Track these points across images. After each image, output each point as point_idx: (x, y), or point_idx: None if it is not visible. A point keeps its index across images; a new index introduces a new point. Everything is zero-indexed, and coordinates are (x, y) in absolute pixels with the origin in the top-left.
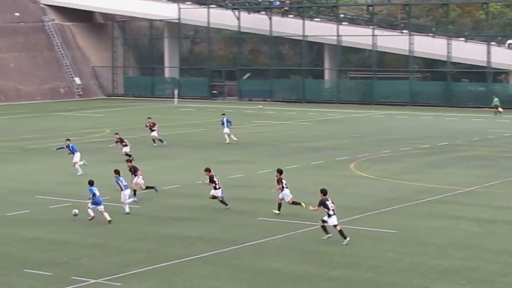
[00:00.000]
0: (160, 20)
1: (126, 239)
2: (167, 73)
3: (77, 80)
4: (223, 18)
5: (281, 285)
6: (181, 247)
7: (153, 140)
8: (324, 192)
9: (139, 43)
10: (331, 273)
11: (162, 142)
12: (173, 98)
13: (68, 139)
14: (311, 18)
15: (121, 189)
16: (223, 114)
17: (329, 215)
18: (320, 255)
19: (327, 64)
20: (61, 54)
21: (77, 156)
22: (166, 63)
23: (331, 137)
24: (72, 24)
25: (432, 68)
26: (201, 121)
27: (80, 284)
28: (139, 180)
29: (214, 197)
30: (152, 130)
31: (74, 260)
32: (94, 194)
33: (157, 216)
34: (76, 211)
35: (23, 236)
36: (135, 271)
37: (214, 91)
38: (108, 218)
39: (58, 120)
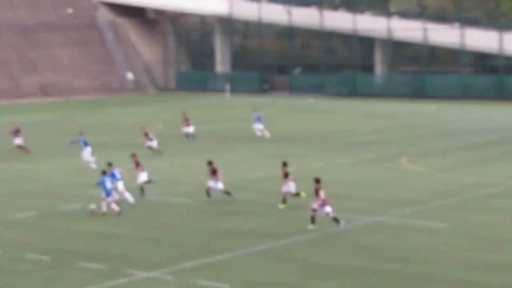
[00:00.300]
0: (212, 16)
1: (179, 233)
2: (218, 68)
3: (130, 75)
4: (274, 13)
5: (333, 279)
6: (234, 240)
7: (187, 136)
8: (317, 180)
9: (190, 38)
10: (383, 267)
11: (193, 137)
12: (225, 92)
13: (80, 133)
14: (361, 12)
15: (116, 179)
16: (255, 110)
17: (318, 204)
18: (372, 249)
19: (378, 58)
20: (114, 49)
21: (88, 150)
22: (218, 58)
23: (383, 131)
24: (124, 20)
25: (484, 61)
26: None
27: (133, 278)
28: (139, 176)
29: (209, 189)
30: (187, 125)
31: (127, 253)
32: (105, 185)
33: (210, 210)
34: (93, 206)
35: (76, 230)
36: (188, 265)
37: (266, 86)
38: (104, 210)
39: (111, 115)
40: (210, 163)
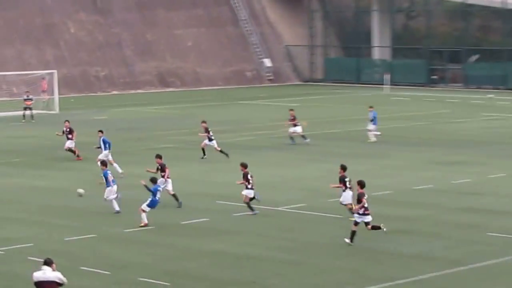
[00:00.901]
0: None
1: (326, 255)
2: (376, 54)
3: (267, 62)
4: None
5: None
6: (393, 267)
7: (291, 137)
8: (361, 184)
9: (342, 17)
10: None
11: (306, 139)
12: (383, 84)
13: (100, 131)
14: None
15: (107, 185)
16: (371, 107)
17: (359, 213)
18: None
19: None
20: (248, 30)
21: (105, 154)
22: (375, 42)
23: None
24: None
25: None
26: (418, 113)
27: None
28: (166, 185)
29: (248, 198)
30: (295, 125)
31: (261, 279)
32: (155, 195)
33: (364, 228)
34: (81, 191)
35: (201, 249)
36: None
37: (434, 77)
38: (146, 221)
39: (244, 109)
40: (243, 165)
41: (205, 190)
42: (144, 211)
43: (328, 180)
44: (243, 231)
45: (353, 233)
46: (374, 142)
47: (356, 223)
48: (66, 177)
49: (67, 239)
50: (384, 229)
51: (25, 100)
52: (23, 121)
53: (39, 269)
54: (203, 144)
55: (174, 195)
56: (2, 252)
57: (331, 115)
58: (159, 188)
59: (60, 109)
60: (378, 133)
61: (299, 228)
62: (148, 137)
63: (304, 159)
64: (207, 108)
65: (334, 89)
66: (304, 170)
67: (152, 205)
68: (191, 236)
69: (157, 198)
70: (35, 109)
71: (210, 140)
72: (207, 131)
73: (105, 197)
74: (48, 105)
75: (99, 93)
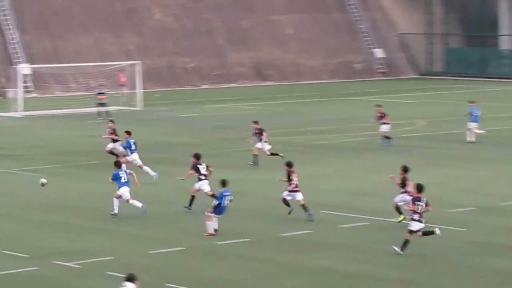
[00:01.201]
0: None
1: (446, 274)
2: (504, 44)
3: (379, 53)
4: None
5: None
6: None
7: (385, 137)
8: (419, 188)
9: (465, 1)
10: None
11: (390, 139)
12: None
13: (128, 132)
14: None
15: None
16: (471, 102)
17: (413, 219)
18: None
19: None
20: (356, 16)
21: (134, 156)
22: (503, 29)
23: None
24: None
25: None
26: None
27: None
28: (202, 185)
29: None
30: (383, 123)
31: None
32: (222, 201)
33: (493, 243)
34: (44, 180)
35: (303, 266)
36: None
37: None
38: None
39: (352, 106)
40: (289, 164)
41: (307, 198)
42: (210, 216)
43: (449, 187)
44: (351, 245)
45: (406, 242)
46: (473, 142)
47: (410, 232)
48: (147, 182)
49: (151, 252)
50: (438, 232)
51: (98, 94)
52: (100, 119)
53: (120, 286)
54: (255, 149)
55: (213, 195)
56: (79, 266)
57: (451, 113)
58: (225, 194)
59: (144, 105)
60: (480, 131)
61: (414, 242)
62: (242, 137)
63: (420, 164)
64: (309, 105)
65: (455, 83)
66: (421, 176)
67: (218, 211)
68: (291, 250)
69: (225, 203)
70: (115, 105)
71: (263, 142)
72: (260, 132)
73: (125, 199)
74: (129, 100)
75: (187, 87)
